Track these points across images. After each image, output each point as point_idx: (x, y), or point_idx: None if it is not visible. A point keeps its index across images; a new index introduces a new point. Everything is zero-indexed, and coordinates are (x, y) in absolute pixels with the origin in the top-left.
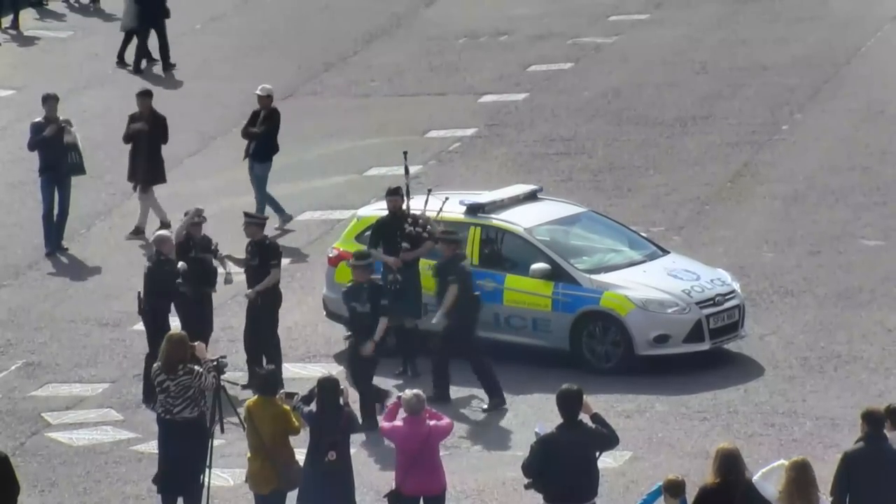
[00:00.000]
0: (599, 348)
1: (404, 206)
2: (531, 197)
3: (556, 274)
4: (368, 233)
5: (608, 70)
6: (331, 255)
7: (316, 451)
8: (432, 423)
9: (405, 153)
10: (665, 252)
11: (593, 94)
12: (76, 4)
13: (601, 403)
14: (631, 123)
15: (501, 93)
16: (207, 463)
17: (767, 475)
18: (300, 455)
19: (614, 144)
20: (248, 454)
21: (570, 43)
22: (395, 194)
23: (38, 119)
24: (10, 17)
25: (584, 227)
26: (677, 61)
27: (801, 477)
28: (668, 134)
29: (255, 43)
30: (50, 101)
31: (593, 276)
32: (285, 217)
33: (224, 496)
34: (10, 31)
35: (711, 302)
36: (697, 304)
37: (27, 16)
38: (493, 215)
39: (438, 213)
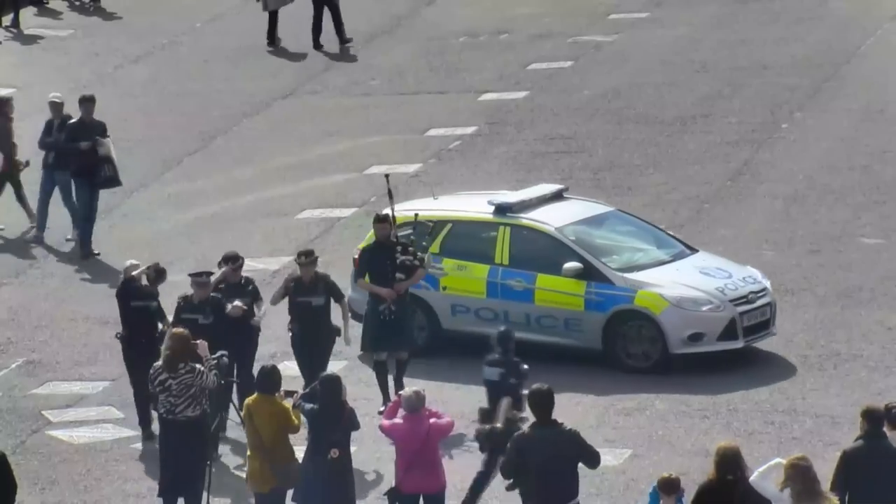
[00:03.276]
0: (633, 347)
1: (391, 235)
2: (557, 196)
3: (589, 273)
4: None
5: (608, 69)
6: (356, 257)
7: (317, 448)
8: (432, 420)
9: (387, 175)
10: (694, 250)
11: (593, 93)
12: (77, 3)
13: (601, 402)
14: (631, 122)
15: (501, 91)
16: (208, 462)
17: (766, 474)
18: (299, 453)
19: (614, 143)
20: (248, 453)
21: (570, 42)
22: (384, 222)
23: (73, 120)
24: (11, 15)
25: (611, 226)
26: (677, 60)
27: (805, 474)
28: (668, 133)
29: (255, 43)
30: (86, 103)
31: (626, 275)
32: (39, 235)
33: (225, 495)
34: (11, 30)
35: (745, 299)
36: (731, 301)
37: (27, 14)
38: (521, 215)
39: (430, 236)
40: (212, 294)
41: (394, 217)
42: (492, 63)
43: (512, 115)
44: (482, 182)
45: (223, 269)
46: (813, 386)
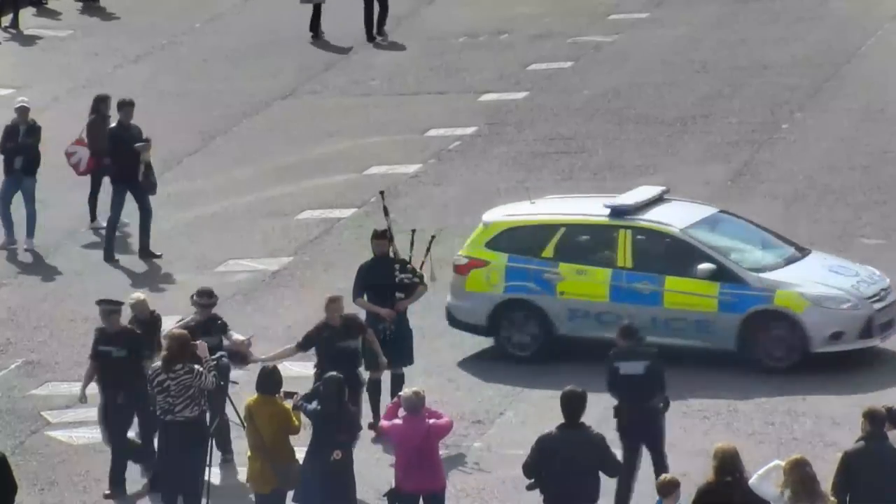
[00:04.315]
0: (774, 348)
1: (390, 251)
2: (661, 198)
3: (721, 274)
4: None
5: (608, 69)
6: (460, 264)
7: (318, 449)
8: (432, 421)
9: (382, 192)
10: (805, 250)
11: (593, 93)
12: (78, 5)
13: (602, 402)
14: (631, 122)
15: (501, 91)
16: (208, 462)
17: (765, 476)
18: (300, 454)
19: (615, 143)
20: (249, 453)
21: (570, 42)
22: (382, 238)
23: (112, 125)
24: (10, 16)
25: (724, 227)
26: (677, 60)
27: (804, 475)
28: (669, 133)
29: (255, 43)
30: (126, 107)
31: (761, 275)
32: (11, 241)
33: (224, 495)
34: (10, 30)
35: (878, 297)
36: (867, 299)
37: (27, 14)
38: (639, 217)
39: (427, 252)
40: (129, 326)
41: (391, 234)
42: (492, 63)
43: (512, 115)
44: (482, 182)
45: (204, 305)
46: (813, 386)
